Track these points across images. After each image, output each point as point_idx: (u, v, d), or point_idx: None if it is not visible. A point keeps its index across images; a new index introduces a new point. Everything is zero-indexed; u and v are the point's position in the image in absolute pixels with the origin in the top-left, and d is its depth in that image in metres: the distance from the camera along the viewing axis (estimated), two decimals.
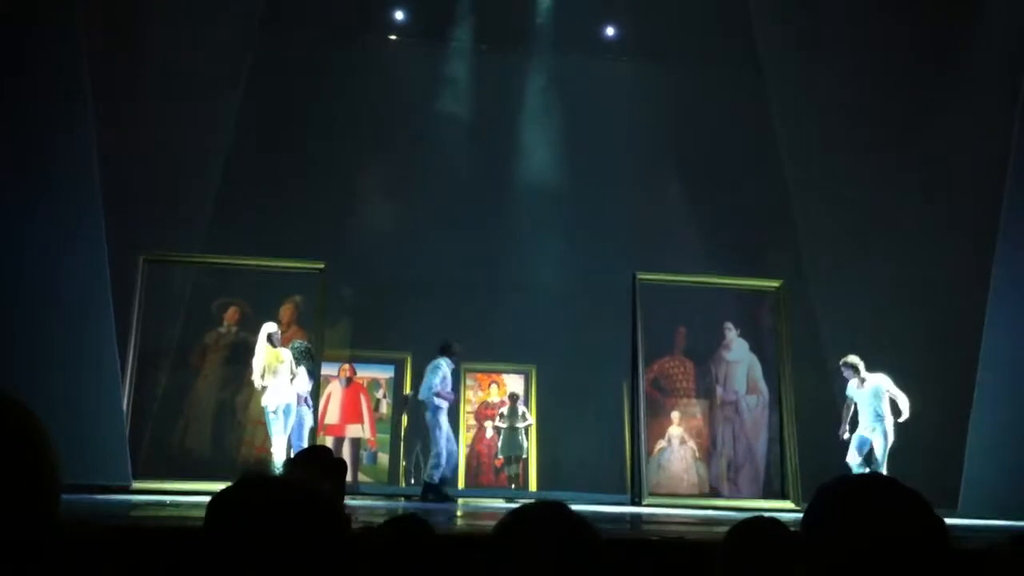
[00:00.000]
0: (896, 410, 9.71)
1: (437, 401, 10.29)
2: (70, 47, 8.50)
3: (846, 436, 9.96)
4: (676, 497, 11.15)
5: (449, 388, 10.52)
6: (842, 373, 9.97)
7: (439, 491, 10.15)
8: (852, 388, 9.89)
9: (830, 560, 1.52)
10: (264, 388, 9.87)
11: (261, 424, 10.20)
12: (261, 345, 10.00)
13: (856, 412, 9.93)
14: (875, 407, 9.71)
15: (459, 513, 8.67)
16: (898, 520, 1.52)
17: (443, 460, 10.27)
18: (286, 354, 9.96)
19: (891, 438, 9.65)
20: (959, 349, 10.25)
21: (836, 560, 1.51)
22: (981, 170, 10.68)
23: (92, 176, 8.61)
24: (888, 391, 9.70)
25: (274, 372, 9.83)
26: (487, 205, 14.13)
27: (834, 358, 11.01)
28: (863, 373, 9.78)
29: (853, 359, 9.85)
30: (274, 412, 9.72)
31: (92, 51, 8.71)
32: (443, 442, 10.32)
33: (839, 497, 1.59)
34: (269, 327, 10.16)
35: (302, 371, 10.06)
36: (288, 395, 9.79)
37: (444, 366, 10.45)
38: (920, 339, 10.88)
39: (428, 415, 10.39)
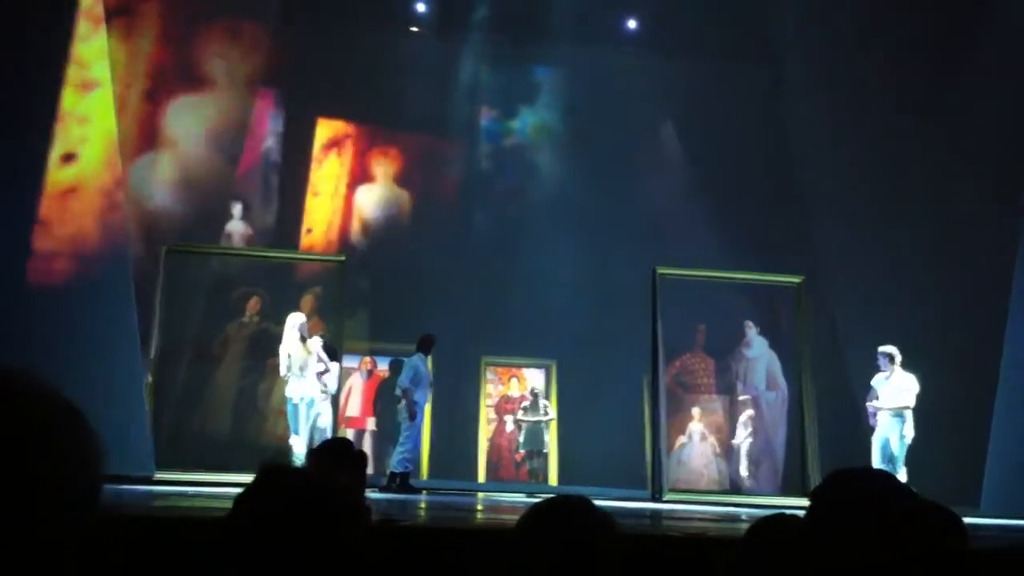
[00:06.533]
0: None
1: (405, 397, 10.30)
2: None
3: (872, 408, 9.63)
4: (696, 493, 11.12)
5: (426, 383, 10.44)
6: (878, 361, 9.67)
7: (405, 482, 10.14)
8: (879, 379, 9.64)
9: (847, 560, 1.51)
10: (289, 378, 9.80)
11: (283, 414, 10.16)
12: (289, 337, 9.87)
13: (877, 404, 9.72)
14: (895, 405, 9.51)
15: (480, 507, 8.67)
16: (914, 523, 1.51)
17: (410, 453, 10.27)
18: (314, 346, 9.88)
19: (909, 436, 9.37)
20: (981, 346, 10.16)
21: (852, 560, 1.50)
22: (1002, 164, 10.59)
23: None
24: (908, 392, 9.40)
25: (302, 365, 9.76)
26: (508, 198, 14.12)
27: (853, 355, 10.92)
28: (895, 367, 9.49)
29: (891, 349, 9.47)
30: (296, 404, 9.73)
31: (114, 40, 8.77)
32: (415, 435, 10.33)
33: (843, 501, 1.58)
34: (297, 318, 9.97)
35: (335, 366, 10.02)
36: (312, 388, 9.77)
37: (417, 362, 10.42)
38: (941, 336, 10.76)
39: (401, 407, 10.38)
